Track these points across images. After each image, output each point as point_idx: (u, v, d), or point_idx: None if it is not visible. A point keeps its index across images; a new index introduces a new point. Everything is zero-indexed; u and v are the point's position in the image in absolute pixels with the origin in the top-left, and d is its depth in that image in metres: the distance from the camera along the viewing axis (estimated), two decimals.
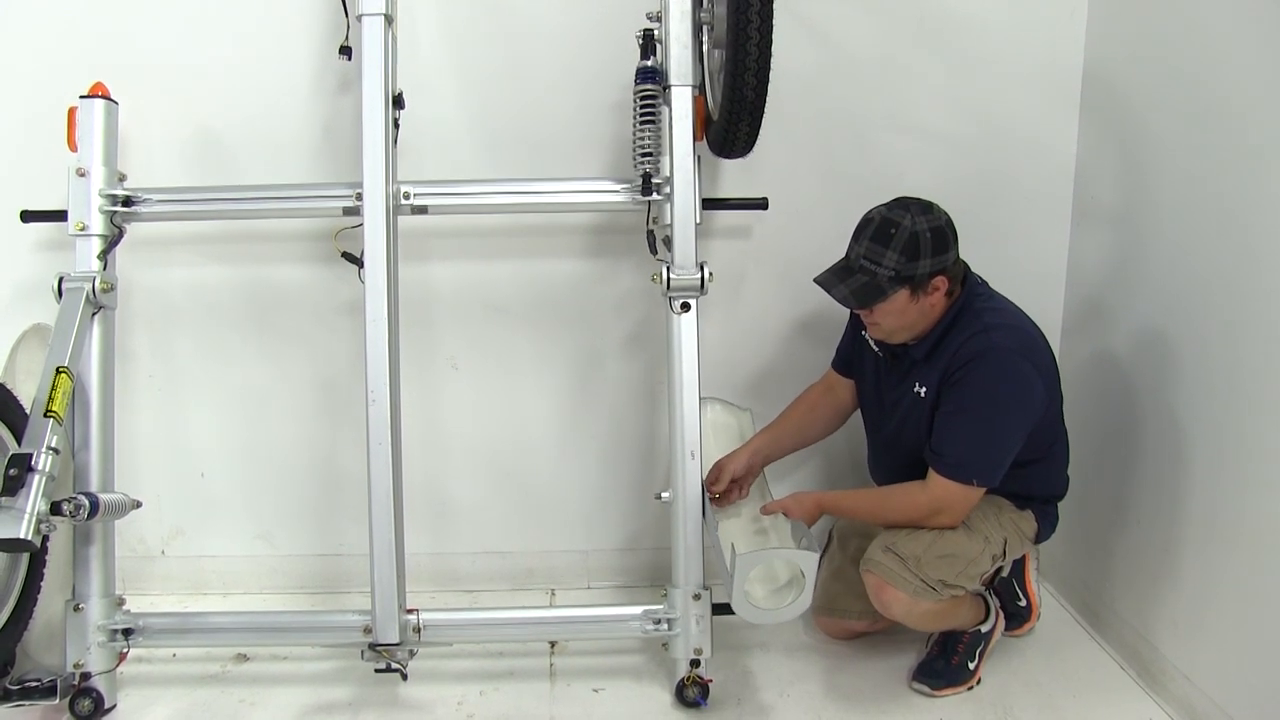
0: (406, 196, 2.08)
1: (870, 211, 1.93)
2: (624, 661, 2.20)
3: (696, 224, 2.03)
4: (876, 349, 2.11)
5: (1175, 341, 2.02)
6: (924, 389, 1.98)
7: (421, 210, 2.11)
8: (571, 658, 2.23)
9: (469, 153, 2.34)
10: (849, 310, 2.19)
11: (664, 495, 2.06)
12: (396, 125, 2.08)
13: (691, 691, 2.01)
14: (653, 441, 2.48)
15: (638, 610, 2.06)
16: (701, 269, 2.01)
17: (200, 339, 2.42)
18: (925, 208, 1.90)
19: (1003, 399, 1.90)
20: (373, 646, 1.95)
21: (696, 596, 2.02)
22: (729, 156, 2.07)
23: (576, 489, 2.53)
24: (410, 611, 2.03)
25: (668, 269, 2.01)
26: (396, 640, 1.96)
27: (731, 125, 1.94)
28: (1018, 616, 2.26)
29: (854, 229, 1.93)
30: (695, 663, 2.02)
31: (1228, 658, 1.85)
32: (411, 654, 2.01)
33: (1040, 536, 2.13)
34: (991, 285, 2.06)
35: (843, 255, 1.96)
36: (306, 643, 2.16)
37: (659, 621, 2.04)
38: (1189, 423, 1.96)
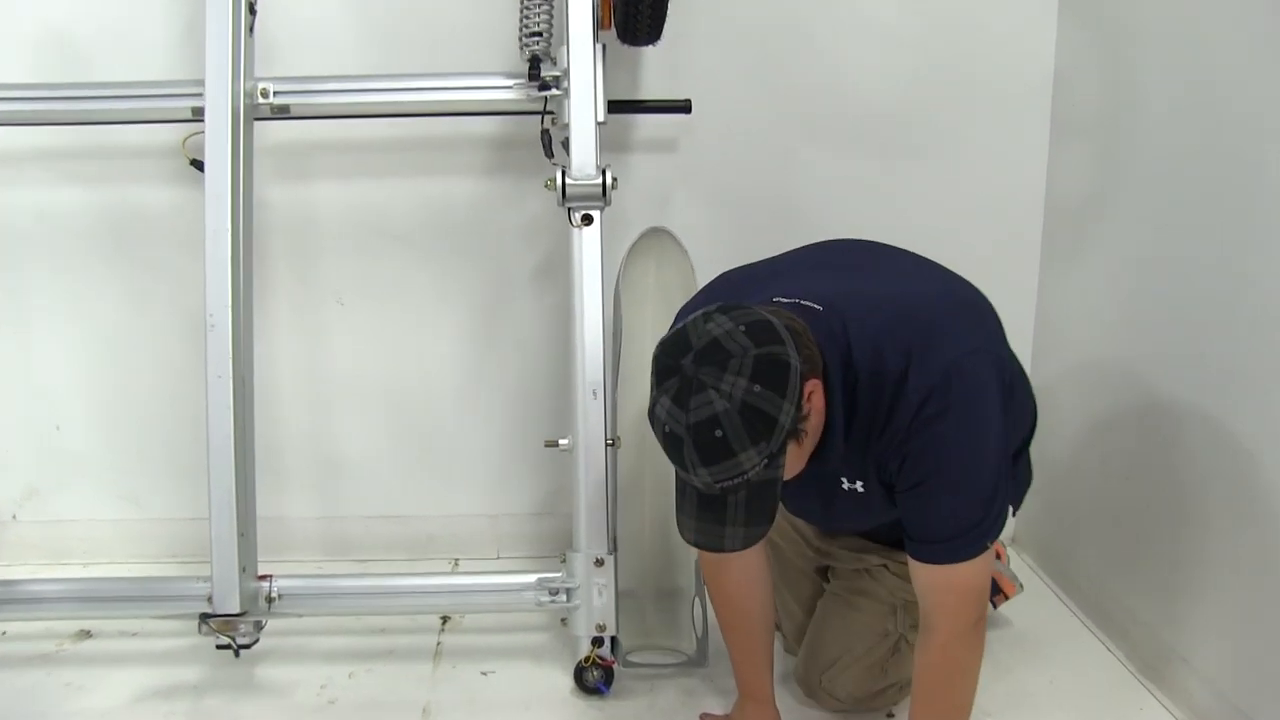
0: (265, 94, 1.78)
1: (660, 416, 1.16)
2: (525, 641, 1.90)
3: (599, 122, 1.73)
4: None
5: (1168, 270, 1.70)
6: (859, 483, 1.38)
7: (283, 111, 1.82)
8: (464, 635, 1.93)
9: (354, 57, 2.02)
10: None
11: (561, 442, 1.75)
12: (252, 10, 1.77)
13: (592, 675, 1.71)
14: (569, 389, 2.17)
15: (531, 579, 1.75)
16: (603, 174, 1.70)
17: (53, 271, 2.12)
18: (714, 348, 1.14)
19: (980, 443, 1.25)
20: (205, 617, 1.65)
21: (599, 562, 1.71)
22: (635, 43, 1.77)
23: (483, 444, 2.22)
24: (263, 578, 1.73)
25: (563, 173, 1.70)
26: (237, 610, 1.66)
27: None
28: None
29: (667, 450, 1.18)
30: (598, 641, 1.71)
31: (1235, 643, 1.54)
32: (259, 626, 1.71)
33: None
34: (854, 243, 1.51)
35: (684, 488, 1.23)
36: (142, 614, 1.85)
37: (556, 592, 1.74)
38: (1184, 365, 1.65)
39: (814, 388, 1.20)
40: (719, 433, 1.12)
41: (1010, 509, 1.37)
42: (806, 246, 1.51)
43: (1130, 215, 1.83)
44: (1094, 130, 1.97)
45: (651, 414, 1.18)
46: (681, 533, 1.25)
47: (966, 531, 1.26)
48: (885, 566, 1.59)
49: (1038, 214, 2.13)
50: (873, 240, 1.51)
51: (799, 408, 1.16)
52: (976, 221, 2.10)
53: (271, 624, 1.79)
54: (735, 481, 1.15)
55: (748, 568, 1.52)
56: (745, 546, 1.21)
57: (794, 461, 1.23)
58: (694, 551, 1.83)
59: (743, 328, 1.15)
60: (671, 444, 1.16)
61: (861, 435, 1.27)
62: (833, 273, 1.41)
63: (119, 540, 2.23)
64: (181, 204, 2.07)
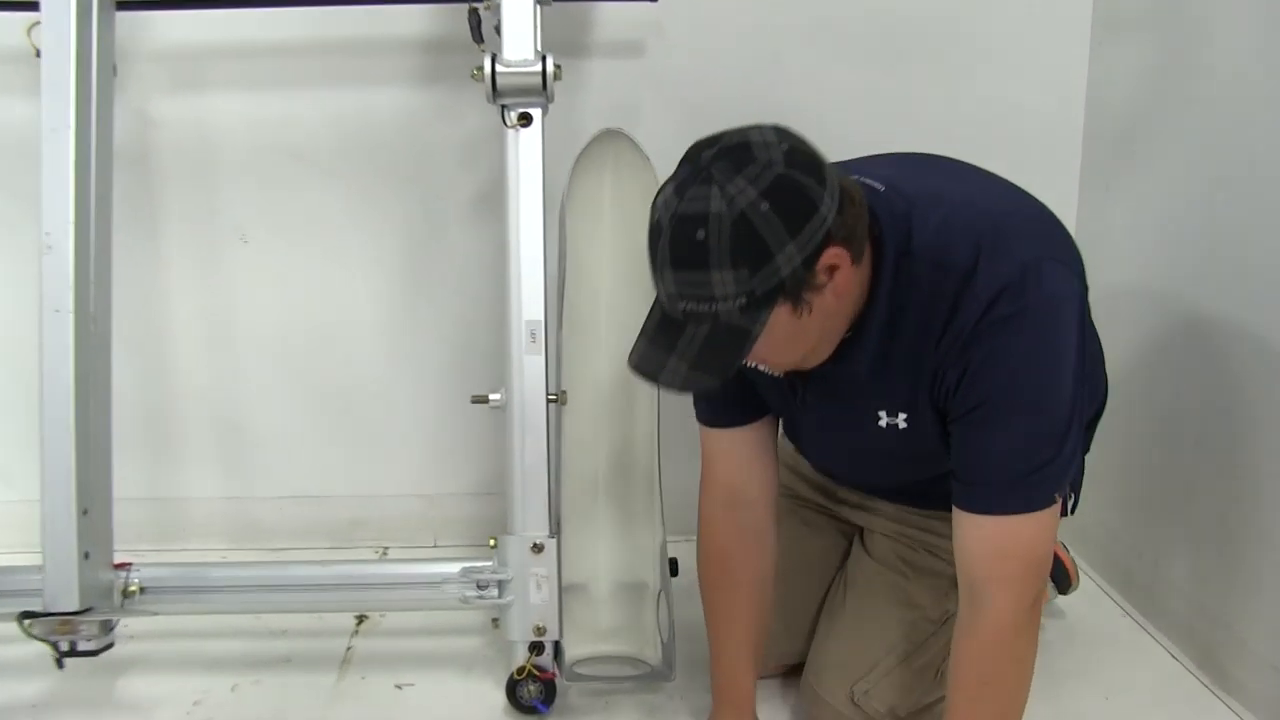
0: None
1: (658, 203, 0.96)
2: (452, 646, 1.56)
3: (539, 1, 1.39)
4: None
5: (1238, 188, 1.37)
6: (901, 416, 1.09)
7: None
8: (380, 639, 1.60)
9: None
10: None
11: (493, 397, 1.41)
12: None
13: (528, 690, 1.37)
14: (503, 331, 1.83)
15: (453, 569, 1.41)
16: (543, 60, 1.36)
17: None
18: (741, 149, 0.92)
19: (1058, 360, 0.99)
20: (26, 615, 1.30)
21: (538, 548, 1.37)
22: None
23: (416, 408, 1.88)
24: (120, 566, 1.40)
25: (493, 60, 1.35)
26: (76, 607, 1.32)
27: None
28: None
29: (649, 240, 0.97)
30: (537, 647, 1.37)
31: None
32: (108, 627, 1.36)
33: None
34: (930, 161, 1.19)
35: (653, 310, 1.01)
36: None
37: (485, 585, 1.40)
38: (1267, 303, 1.31)
39: (839, 259, 0.94)
40: (701, 234, 0.91)
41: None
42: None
43: (1188, 126, 1.50)
44: (1144, 28, 1.63)
45: (653, 202, 0.98)
46: (629, 356, 1.01)
47: (1035, 471, 0.99)
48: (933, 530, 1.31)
49: (1076, 126, 1.79)
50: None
51: (809, 266, 0.93)
52: (1004, 135, 1.75)
53: (147, 625, 1.48)
54: (700, 308, 0.94)
55: (757, 520, 1.25)
56: (683, 390, 1.01)
57: (784, 339, 0.97)
58: (660, 536, 1.50)
59: (786, 147, 0.93)
60: (653, 233, 0.97)
61: (913, 341, 1.02)
62: (894, 166, 1.14)
63: None
64: None
